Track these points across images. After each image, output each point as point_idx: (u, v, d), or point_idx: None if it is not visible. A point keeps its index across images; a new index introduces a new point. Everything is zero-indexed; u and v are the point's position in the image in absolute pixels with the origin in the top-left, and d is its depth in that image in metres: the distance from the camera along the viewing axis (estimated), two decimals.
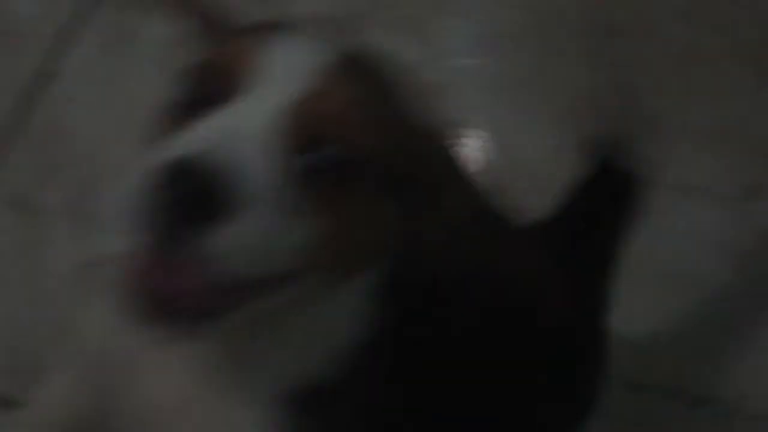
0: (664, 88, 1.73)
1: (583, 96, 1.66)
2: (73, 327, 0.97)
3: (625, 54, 1.76)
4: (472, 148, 1.68)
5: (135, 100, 1.65)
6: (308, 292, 0.80)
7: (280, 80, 0.77)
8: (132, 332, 0.76)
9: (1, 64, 1.77)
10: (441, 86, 1.69)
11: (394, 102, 0.83)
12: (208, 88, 0.77)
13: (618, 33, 1.79)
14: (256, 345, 0.86)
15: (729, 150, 1.68)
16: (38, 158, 1.66)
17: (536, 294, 1.06)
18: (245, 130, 0.73)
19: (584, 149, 1.20)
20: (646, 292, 1.47)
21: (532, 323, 1.06)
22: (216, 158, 0.70)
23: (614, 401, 1.22)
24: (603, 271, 1.19)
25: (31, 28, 1.82)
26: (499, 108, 1.74)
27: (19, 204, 1.61)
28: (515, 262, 1.02)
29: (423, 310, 0.96)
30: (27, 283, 1.55)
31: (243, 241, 0.70)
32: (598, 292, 1.18)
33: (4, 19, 1.84)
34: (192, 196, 0.68)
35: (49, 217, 1.60)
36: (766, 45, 1.79)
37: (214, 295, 0.73)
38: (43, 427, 1.03)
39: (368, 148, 0.78)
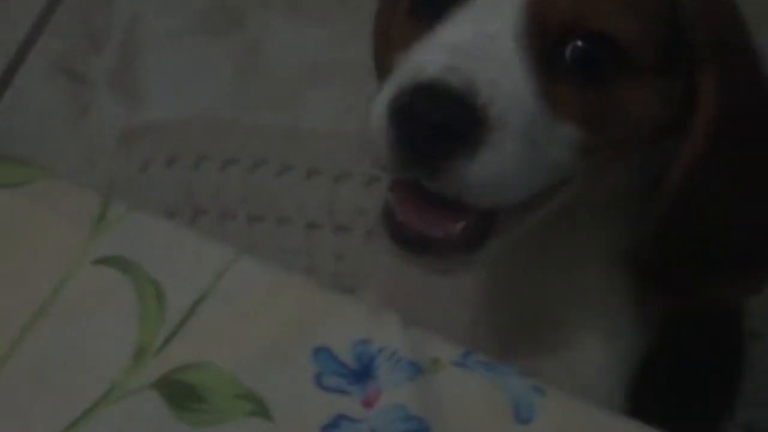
0: None
1: None
2: None
3: None
4: None
5: None
6: (580, 195, 0.76)
7: None
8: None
9: None
10: None
11: None
12: None
13: None
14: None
15: None
16: (81, 25, 1.68)
17: None
18: (490, 36, 0.68)
19: None
20: None
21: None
22: (463, 77, 0.65)
23: None
24: None
25: None
26: None
27: (66, 70, 1.64)
28: None
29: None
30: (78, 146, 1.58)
31: (499, 168, 0.66)
32: None
33: None
34: (443, 123, 0.64)
35: (94, 84, 1.63)
36: None
37: (475, 226, 0.70)
38: None
39: (629, 30, 0.70)
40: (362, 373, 0.65)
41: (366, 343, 0.66)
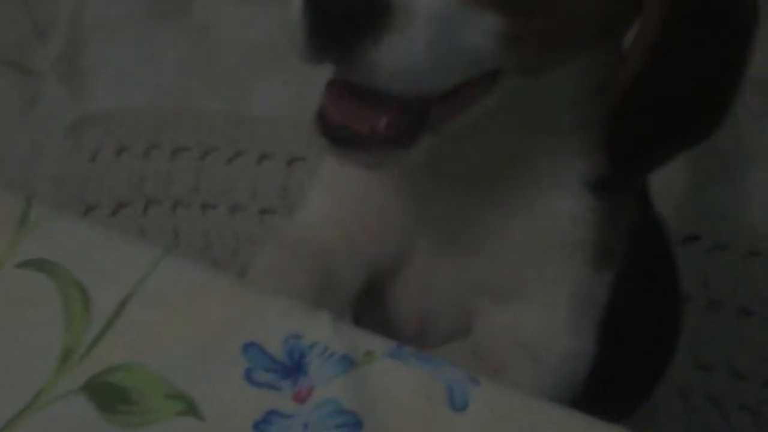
0: None
1: None
2: None
3: None
4: None
5: None
6: (512, 91, 0.73)
7: None
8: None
9: None
10: None
11: None
12: None
13: None
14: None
15: None
16: (26, 16, 1.67)
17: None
18: None
19: None
20: None
21: None
22: None
23: None
24: None
25: None
26: None
27: (11, 62, 1.63)
28: None
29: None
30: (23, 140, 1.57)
31: (406, 54, 0.65)
32: None
33: None
34: (347, 8, 0.64)
35: (40, 75, 1.62)
36: None
37: (405, 120, 0.70)
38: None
39: None
40: (294, 368, 0.65)
41: (297, 338, 0.65)
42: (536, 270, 0.83)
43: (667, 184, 1.34)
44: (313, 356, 0.65)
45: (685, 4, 0.70)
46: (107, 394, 0.63)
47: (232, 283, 0.67)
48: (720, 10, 0.72)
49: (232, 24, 1.60)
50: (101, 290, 0.65)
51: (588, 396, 0.83)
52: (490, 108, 0.73)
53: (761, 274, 1.41)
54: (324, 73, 0.74)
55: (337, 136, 0.70)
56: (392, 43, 0.64)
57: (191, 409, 0.63)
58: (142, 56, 1.60)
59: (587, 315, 0.83)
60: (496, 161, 0.80)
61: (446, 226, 0.85)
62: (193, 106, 1.55)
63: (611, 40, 0.75)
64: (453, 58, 0.68)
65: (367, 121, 0.70)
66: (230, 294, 0.66)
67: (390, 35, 0.64)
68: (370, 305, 0.91)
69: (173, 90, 1.56)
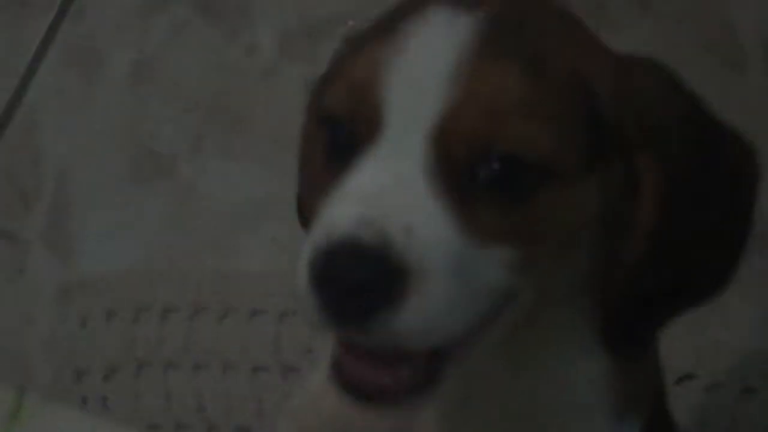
0: None
1: None
2: None
3: None
4: None
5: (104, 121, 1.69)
6: (527, 308, 0.73)
7: (415, 101, 0.68)
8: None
9: None
10: None
11: (564, 46, 0.71)
12: (349, 130, 0.70)
13: None
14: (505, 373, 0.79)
15: None
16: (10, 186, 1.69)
17: None
18: (399, 177, 0.66)
19: None
20: None
21: None
22: (375, 230, 0.64)
23: None
24: None
25: None
26: None
27: None
28: None
29: None
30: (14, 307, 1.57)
31: (427, 312, 0.65)
32: None
33: None
34: (360, 282, 0.63)
35: (27, 244, 1.62)
36: None
37: (427, 362, 0.68)
38: None
39: (542, 146, 0.67)
40: None
41: None
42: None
43: None
44: None
45: (681, 188, 0.71)
46: None
47: None
48: (718, 191, 0.73)
49: (217, 181, 1.61)
50: None
51: None
52: (509, 325, 0.72)
53: (757, 412, 1.39)
54: None
55: (361, 391, 0.68)
56: (411, 306, 0.64)
57: None
58: (127, 219, 1.60)
59: None
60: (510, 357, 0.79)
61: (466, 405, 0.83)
62: (180, 265, 1.55)
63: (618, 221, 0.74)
64: (472, 300, 0.67)
65: (389, 372, 0.68)
66: None
67: (408, 299, 0.63)
68: None
69: (160, 251, 1.57)
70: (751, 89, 1.56)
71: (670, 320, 0.77)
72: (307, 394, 0.89)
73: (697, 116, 0.74)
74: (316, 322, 0.66)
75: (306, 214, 0.82)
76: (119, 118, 1.68)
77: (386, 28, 0.71)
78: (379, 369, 0.68)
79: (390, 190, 0.66)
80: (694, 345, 1.39)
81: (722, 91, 1.41)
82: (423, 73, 0.68)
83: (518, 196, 0.68)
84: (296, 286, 0.66)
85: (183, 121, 1.66)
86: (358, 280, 0.63)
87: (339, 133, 0.71)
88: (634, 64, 0.73)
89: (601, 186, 0.70)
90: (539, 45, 0.70)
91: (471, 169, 0.67)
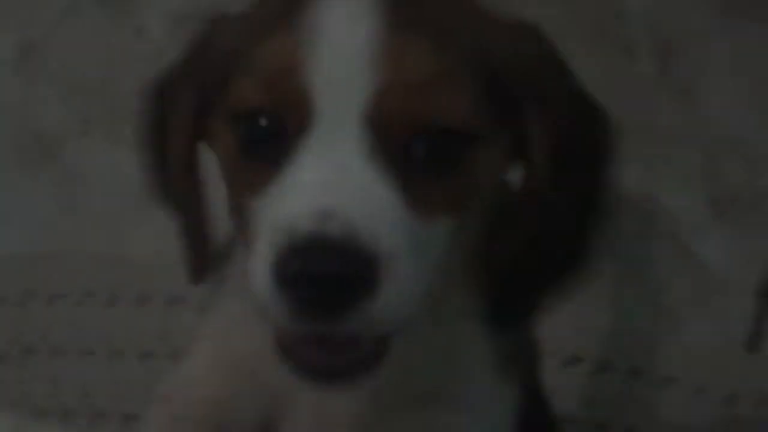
0: None
1: None
2: None
3: None
4: None
5: None
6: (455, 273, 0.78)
7: (344, 86, 0.69)
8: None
9: None
10: None
11: (470, 22, 0.75)
12: (271, 122, 0.71)
13: None
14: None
15: None
16: None
17: None
18: (344, 165, 0.68)
19: None
20: None
21: None
22: (339, 223, 0.65)
23: None
24: None
25: None
26: None
27: None
28: None
29: None
30: None
31: (400, 294, 0.67)
32: None
33: None
34: (336, 277, 0.64)
35: None
36: None
37: (371, 349, 0.71)
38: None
39: (459, 113, 0.71)
40: None
41: None
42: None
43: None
44: None
45: (565, 148, 0.76)
46: None
47: None
48: (589, 154, 0.78)
49: (105, 166, 1.60)
50: None
51: None
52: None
53: (645, 394, 1.44)
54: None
55: (316, 373, 0.71)
56: (387, 290, 0.66)
57: None
58: (12, 203, 1.59)
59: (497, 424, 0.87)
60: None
61: None
62: (67, 251, 1.54)
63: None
64: (429, 273, 0.70)
65: (342, 354, 0.70)
66: None
67: (383, 285, 0.65)
68: None
69: (47, 235, 1.56)
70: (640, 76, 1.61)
71: (546, 293, 0.82)
72: (183, 380, 0.91)
73: (571, 81, 0.79)
74: (285, 323, 0.67)
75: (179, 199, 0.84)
76: (5, 101, 1.65)
77: (285, 11, 0.72)
78: (333, 352, 0.70)
79: (339, 180, 0.67)
80: (579, 328, 1.43)
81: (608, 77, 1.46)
82: (346, 56, 0.69)
83: (449, 164, 0.72)
84: (254, 288, 0.67)
85: (70, 105, 1.63)
86: (335, 275, 0.64)
87: (255, 128, 0.72)
88: (523, 29, 0.77)
89: (504, 144, 0.75)
90: (443, 18, 0.73)
91: (406, 147, 0.70)
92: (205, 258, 0.84)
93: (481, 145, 0.73)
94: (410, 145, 0.70)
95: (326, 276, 0.64)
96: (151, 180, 0.88)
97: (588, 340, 1.46)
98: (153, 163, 0.87)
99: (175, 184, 0.82)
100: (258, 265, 0.67)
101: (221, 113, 0.76)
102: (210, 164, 0.80)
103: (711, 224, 1.53)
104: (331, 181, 0.67)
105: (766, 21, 1.57)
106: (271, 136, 0.71)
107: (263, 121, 0.71)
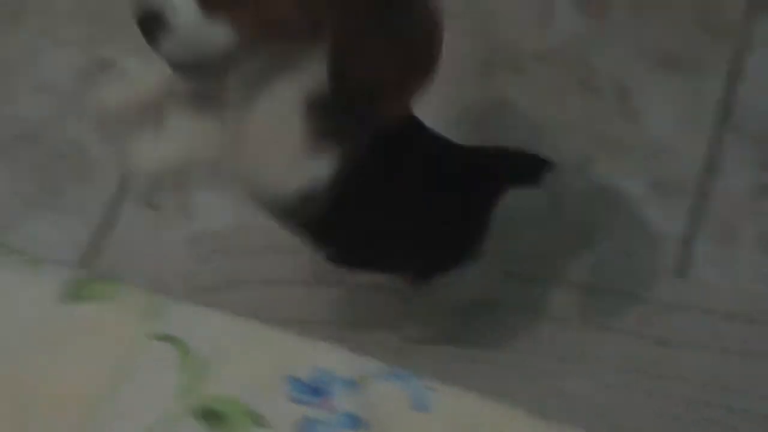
0: None
1: None
2: None
3: None
4: None
5: None
6: (265, 62, 1.12)
7: None
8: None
9: None
10: None
11: None
12: None
13: None
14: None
15: None
16: None
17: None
18: None
19: None
20: None
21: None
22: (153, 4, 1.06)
23: None
24: None
25: None
26: None
27: None
28: None
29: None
30: None
31: (181, 42, 1.06)
32: None
33: None
34: (149, 25, 1.06)
35: None
36: None
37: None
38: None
39: None
40: (320, 390, 0.95)
41: (320, 370, 0.95)
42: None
43: None
44: (330, 380, 0.96)
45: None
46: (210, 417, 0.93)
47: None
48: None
49: None
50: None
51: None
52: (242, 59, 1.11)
53: None
54: None
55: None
56: (169, 38, 1.06)
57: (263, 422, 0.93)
58: None
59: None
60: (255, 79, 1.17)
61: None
62: None
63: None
64: (207, 46, 1.08)
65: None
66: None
67: (166, 34, 1.06)
68: None
69: None
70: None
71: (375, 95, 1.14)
72: (125, 78, 1.27)
73: None
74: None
75: None
76: None
77: None
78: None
79: None
80: None
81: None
82: None
83: None
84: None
85: None
86: (142, 15, 1.07)
87: None
88: None
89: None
90: None
91: None
92: None
93: None
94: None
95: (138, 20, 1.07)
96: None
97: None
98: None
99: None
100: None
101: None
102: None
103: None
104: None
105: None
106: None
107: None
